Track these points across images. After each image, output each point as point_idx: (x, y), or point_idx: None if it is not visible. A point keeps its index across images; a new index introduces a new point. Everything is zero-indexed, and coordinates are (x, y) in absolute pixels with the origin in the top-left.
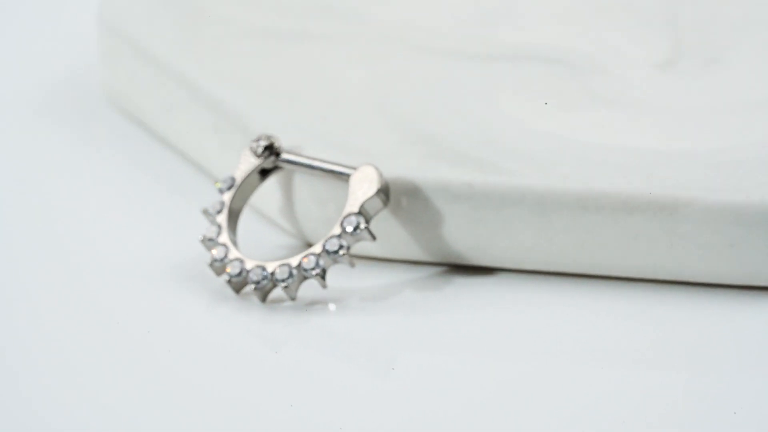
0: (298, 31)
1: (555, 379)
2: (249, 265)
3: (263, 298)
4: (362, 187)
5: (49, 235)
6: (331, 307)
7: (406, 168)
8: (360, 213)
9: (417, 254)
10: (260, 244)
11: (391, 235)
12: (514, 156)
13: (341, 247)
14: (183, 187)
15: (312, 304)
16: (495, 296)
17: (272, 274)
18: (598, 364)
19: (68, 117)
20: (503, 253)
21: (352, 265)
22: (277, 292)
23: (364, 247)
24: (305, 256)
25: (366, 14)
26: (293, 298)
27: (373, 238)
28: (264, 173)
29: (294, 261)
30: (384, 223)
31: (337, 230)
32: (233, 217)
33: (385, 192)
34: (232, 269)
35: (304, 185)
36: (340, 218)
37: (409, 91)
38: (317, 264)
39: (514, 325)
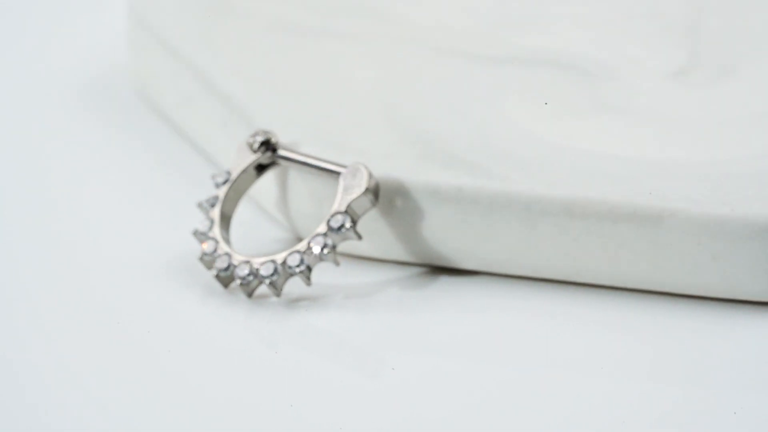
0: (321, 29)
1: (537, 383)
2: (236, 260)
3: (249, 293)
4: (351, 187)
5: (56, 224)
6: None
7: (397, 168)
8: (346, 212)
9: (404, 255)
10: (256, 238)
11: (379, 234)
12: (507, 161)
13: (326, 245)
14: (194, 179)
15: (297, 300)
16: (478, 299)
17: (257, 270)
18: (579, 371)
19: (95, 107)
20: (489, 257)
21: (337, 263)
22: (264, 288)
23: (350, 245)
24: (290, 254)
25: (392, 14)
26: (278, 295)
27: (359, 237)
28: (261, 169)
29: (279, 258)
30: (374, 222)
31: (322, 228)
32: (227, 211)
33: (374, 192)
34: (219, 264)
35: (300, 182)
36: (327, 216)
37: (417, 91)
38: (302, 261)
39: (494, 329)
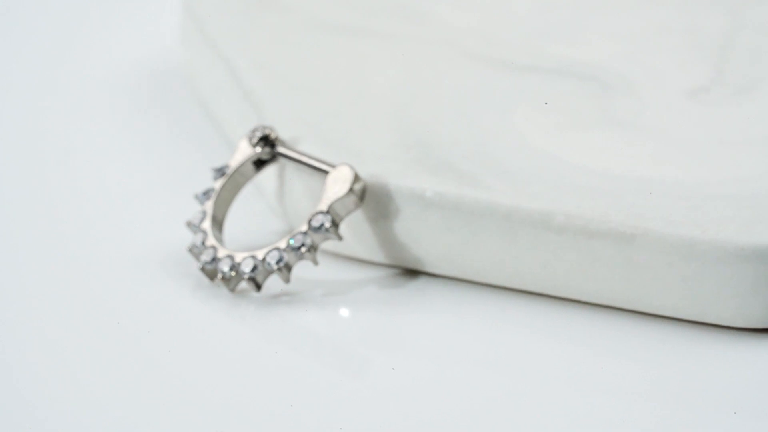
0: (357, 28)
1: (512, 388)
2: (221, 253)
3: (232, 289)
4: (335, 187)
5: (60, 220)
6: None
7: (385, 171)
8: (328, 212)
9: (384, 257)
10: (256, 230)
11: (361, 235)
12: (497, 170)
13: (304, 244)
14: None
15: (279, 296)
16: (455, 303)
17: (238, 265)
18: (548, 379)
19: (144, 100)
20: (469, 265)
21: (316, 263)
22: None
23: (333, 243)
24: (270, 251)
25: (432, 16)
26: (257, 291)
27: (339, 238)
28: (260, 164)
29: (260, 254)
30: (357, 223)
31: (303, 227)
32: (220, 204)
33: (358, 193)
34: (205, 256)
35: (297, 178)
36: (309, 216)
37: (431, 95)
38: (281, 259)
39: (475, 333)
